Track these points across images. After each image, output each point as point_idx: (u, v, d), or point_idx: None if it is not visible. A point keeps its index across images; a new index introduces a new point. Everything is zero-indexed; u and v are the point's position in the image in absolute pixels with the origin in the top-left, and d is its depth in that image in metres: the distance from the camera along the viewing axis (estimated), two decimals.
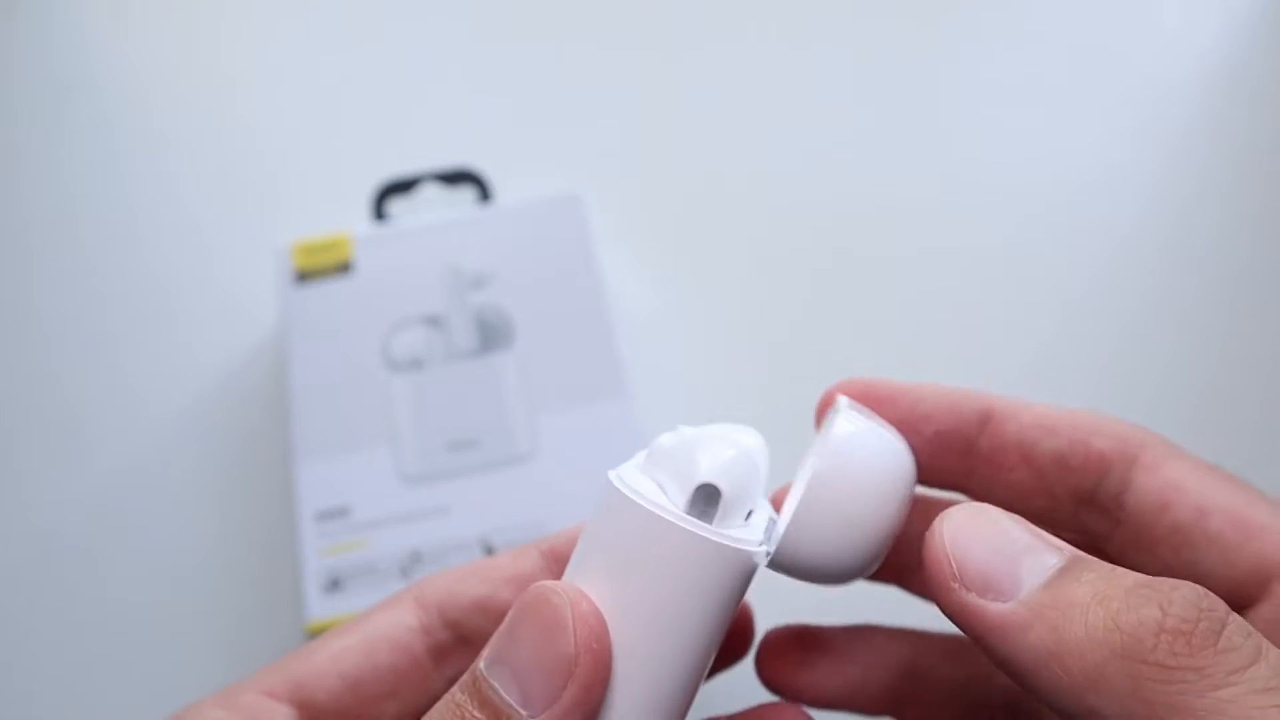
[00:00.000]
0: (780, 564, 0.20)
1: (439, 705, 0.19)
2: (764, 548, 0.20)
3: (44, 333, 0.45)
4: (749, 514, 0.21)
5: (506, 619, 0.19)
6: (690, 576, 0.19)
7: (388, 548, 0.36)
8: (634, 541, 0.19)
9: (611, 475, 0.20)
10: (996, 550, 0.18)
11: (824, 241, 0.46)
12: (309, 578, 0.36)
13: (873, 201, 0.46)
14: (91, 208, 0.48)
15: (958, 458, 0.23)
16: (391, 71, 0.51)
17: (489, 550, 0.36)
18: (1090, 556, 0.18)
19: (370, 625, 0.23)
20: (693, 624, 0.19)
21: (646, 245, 0.45)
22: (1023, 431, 0.23)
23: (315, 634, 0.36)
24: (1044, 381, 0.42)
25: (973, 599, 0.17)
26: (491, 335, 0.40)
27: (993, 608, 0.17)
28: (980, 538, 0.18)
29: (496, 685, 0.18)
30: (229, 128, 0.50)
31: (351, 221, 0.45)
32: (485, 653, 0.19)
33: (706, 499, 0.20)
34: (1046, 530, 0.19)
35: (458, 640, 0.23)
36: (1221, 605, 0.16)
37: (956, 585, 0.18)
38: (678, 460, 0.20)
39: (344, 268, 0.41)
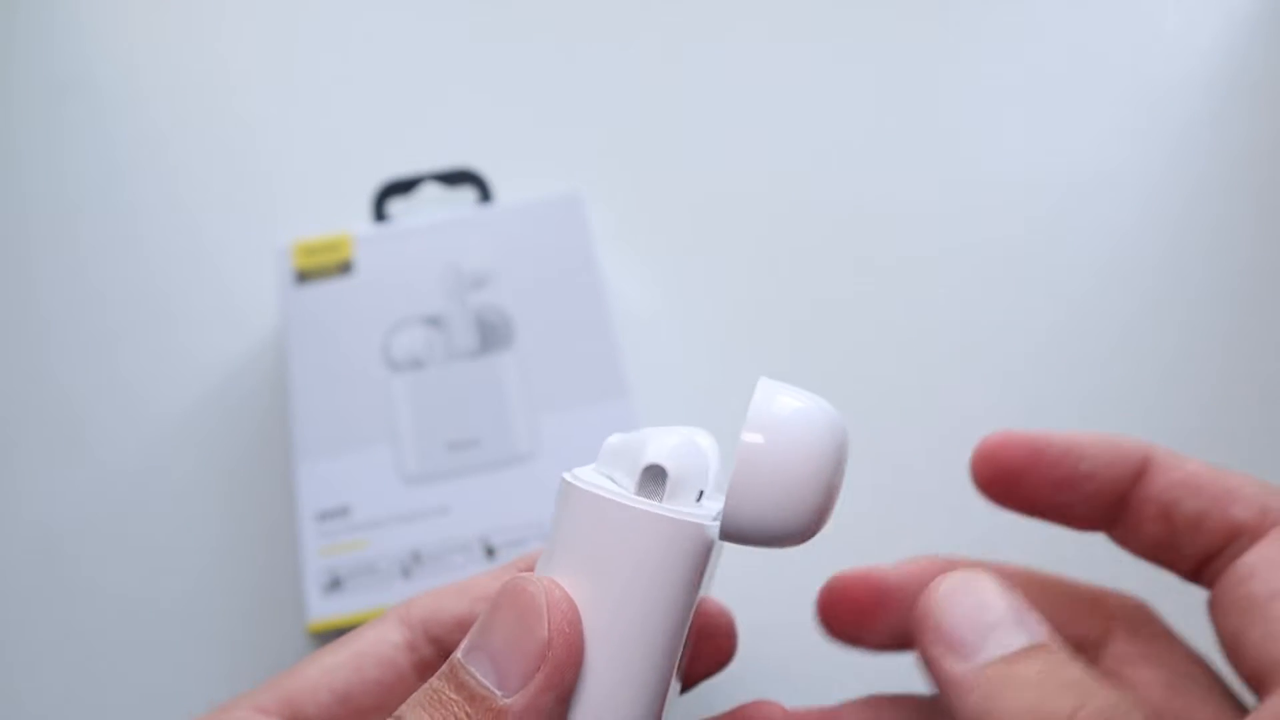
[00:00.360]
0: (730, 533, 0.21)
1: (416, 694, 0.20)
2: (715, 521, 0.21)
3: (43, 334, 0.45)
4: (700, 496, 0.21)
5: (483, 612, 0.20)
6: (646, 554, 0.20)
7: (388, 547, 0.36)
8: (590, 528, 0.20)
9: (565, 475, 0.21)
10: (973, 620, 0.20)
11: (824, 241, 0.46)
12: (309, 577, 0.36)
13: (873, 201, 0.46)
14: (91, 207, 0.48)
15: (1108, 508, 0.24)
16: (392, 71, 0.51)
17: (490, 550, 0.36)
18: (1059, 648, 0.20)
19: (358, 643, 0.23)
20: (655, 603, 0.20)
21: (646, 245, 0.45)
22: (1169, 488, 0.23)
23: (316, 633, 0.36)
24: (1046, 381, 0.42)
25: (939, 653, 0.20)
26: (491, 335, 0.40)
27: (951, 666, 0.19)
28: (964, 606, 0.20)
29: (473, 670, 0.19)
30: (229, 127, 0.50)
31: (352, 221, 0.45)
32: (463, 644, 0.20)
33: (655, 481, 0.21)
34: (1170, 573, 0.22)
35: (440, 656, 0.24)
36: None
37: (931, 640, 0.20)
38: (626, 452, 0.21)
39: (344, 268, 0.41)
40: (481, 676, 0.19)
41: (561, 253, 0.41)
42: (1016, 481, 0.25)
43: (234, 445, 0.42)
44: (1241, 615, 0.21)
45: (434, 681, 0.20)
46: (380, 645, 0.23)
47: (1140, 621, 0.25)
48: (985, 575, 0.20)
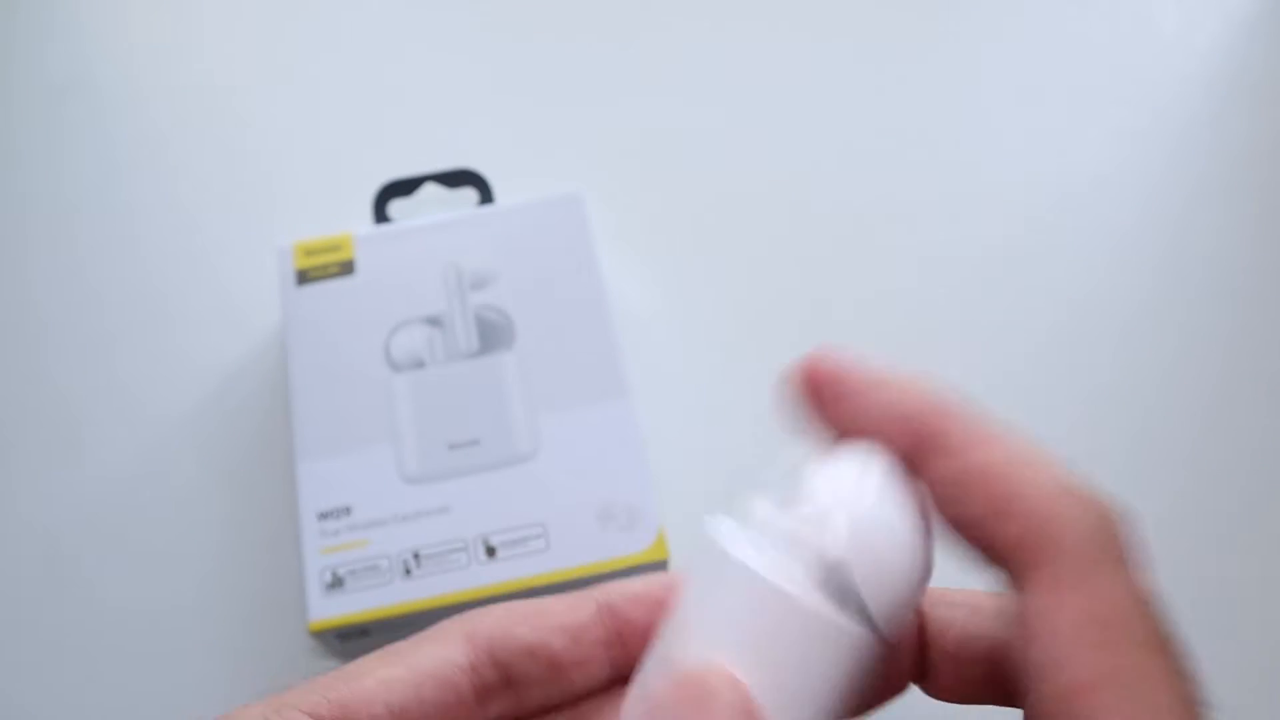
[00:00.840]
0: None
1: None
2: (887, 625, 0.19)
3: (42, 335, 0.45)
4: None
5: (663, 695, 0.19)
6: (840, 667, 0.18)
7: (389, 547, 0.36)
8: (769, 624, 0.18)
9: (728, 548, 0.19)
10: None
11: (824, 241, 0.46)
12: (311, 577, 0.36)
13: (874, 202, 0.46)
14: (90, 208, 0.48)
15: (912, 468, 0.20)
16: (392, 72, 0.51)
17: (490, 550, 0.36)
18: None
19: (418, 657, 0.22)
20: (831, 707, 0.19)
21: (646, 245, 0.45)
22: (944, 480, 0.19)
23: (317, 633, 0.36)
24: (1046, 381, 0.42)
25: None
26: (492, 335, 0.40)
27: None
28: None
29: None
30: (229, 128, 0.50)
31: (352, 222, 0.45)
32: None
33: (839, 582, 0.19)
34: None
35: (503, 681, 0.22)
36: None
37: None
38: (798, 531, 0.19)
39: (345, 268, 0.41)
40: None
41: (561, 253, 0.41)
42: (816, 403, 0.21)
43: (235, 445, 0.42)
44: (1031, 682, 0.18)
45: None
46: (443, 665, 0.22)
47: None
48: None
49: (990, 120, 0.48)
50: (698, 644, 0.19)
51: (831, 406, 0.21)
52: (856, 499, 0.19)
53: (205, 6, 0.54)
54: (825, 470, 0.19)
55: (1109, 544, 0.18)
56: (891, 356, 0.23)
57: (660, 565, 0.36)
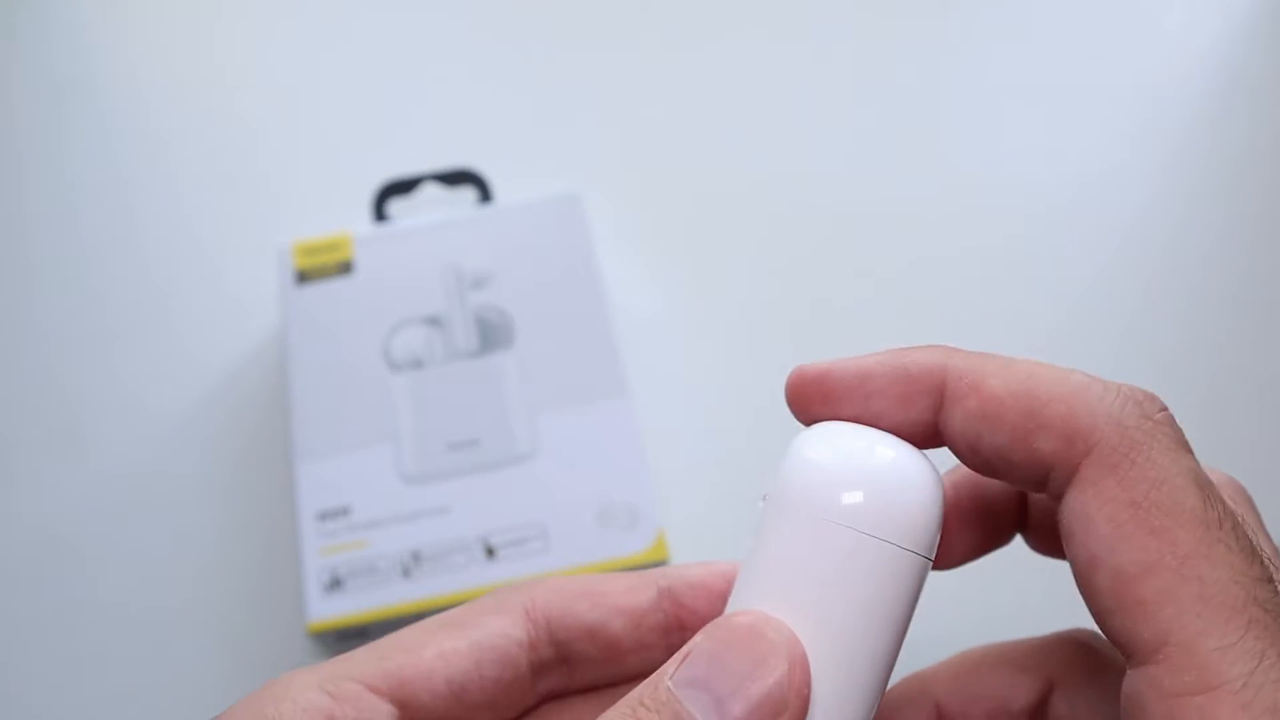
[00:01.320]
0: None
1: (617, 712, 0.18)
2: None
3: (43, 334, 0.45)
4: None
5: (708, 640, 0.18)
6: (887, 590, 0.18)
7: (388, 547, 0.36)
8: (820, 566, 0.19)
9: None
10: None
11: (824, 241, 0.46)
12: (310, 577, 0.36)
13: (873, 202, 0.46)
14: (91, 208, 0.48)
15: (927, 439, 0.21)
16: (392, 71, 0.51)
17: (490, 550, 0.36)
18: None
19: (478, 631, 0.21)
20: (888, 636, 0.19)
21: (647, 245, 0.45)
22: (966, 422, 0.19)
23: (316, 634, 0.36)
24: None
25: None
26: (491, 335, 0.40)
27: None
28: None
29: (694, 711, 0.18)
30: (229, 127, 0.50)
31: (352, 222, 0.45)
32: (678, 672, 0.18)
33: None
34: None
35: (558, 659, 0.22)
36: None
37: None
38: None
39: (344, 268, 0.41)
40: (702, 718, 0.18)
41: (561, 253, 0.41)
42: (817, 414, 0.21)
43: (234, 445, 0.42)
44: (1077, 573, 0.17)
45: (642, 710, 0.18)
46: (502, 640, 0.21)
47: (1083, 668, 0.21)
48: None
49: (991, 121, 0.48)
50: (743, 595, 0.19)
51: (831, 412, 0.21)
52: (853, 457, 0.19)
53: (205, 6, 0.54)
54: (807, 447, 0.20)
55: (1145, 426, 0.17)
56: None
57: (660, 565, 0.36)
